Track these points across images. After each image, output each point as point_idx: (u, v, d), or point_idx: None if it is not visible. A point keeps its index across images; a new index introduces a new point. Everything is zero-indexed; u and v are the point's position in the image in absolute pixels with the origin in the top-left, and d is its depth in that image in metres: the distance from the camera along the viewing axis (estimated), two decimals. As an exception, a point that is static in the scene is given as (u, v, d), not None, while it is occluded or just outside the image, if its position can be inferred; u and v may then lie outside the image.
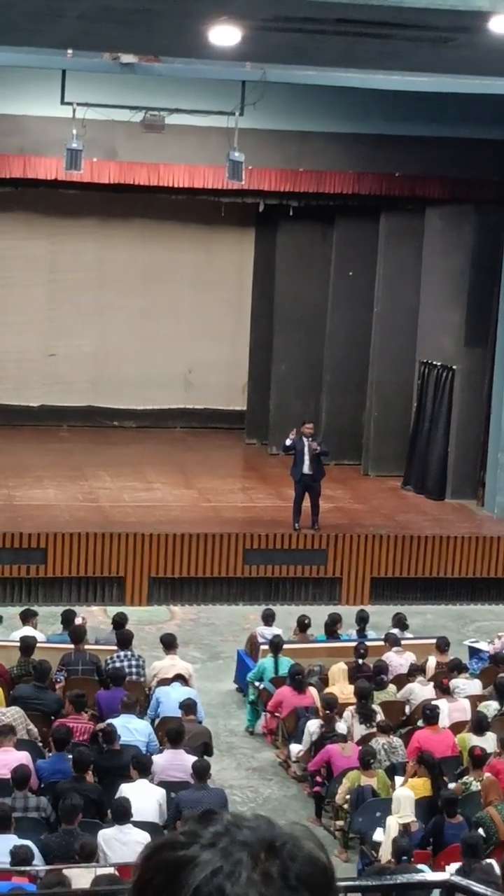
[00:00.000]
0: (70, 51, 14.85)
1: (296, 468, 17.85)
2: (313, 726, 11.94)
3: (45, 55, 14.89)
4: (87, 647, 12.99)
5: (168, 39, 11.57)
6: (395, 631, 14.25)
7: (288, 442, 17.83)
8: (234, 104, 17.39)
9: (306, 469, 17.71)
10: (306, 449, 17.70)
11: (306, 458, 17.68)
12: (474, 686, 13.04)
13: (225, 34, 9.80)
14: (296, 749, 12.26)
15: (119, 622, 13.57)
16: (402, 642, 13.93)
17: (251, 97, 17.07)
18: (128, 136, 18.48)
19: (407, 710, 12.68)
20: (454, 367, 20.32)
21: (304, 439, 17.75)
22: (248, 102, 17.20)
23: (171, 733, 10.80)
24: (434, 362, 20.68)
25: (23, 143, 18.61)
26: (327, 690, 12.57)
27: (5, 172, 18.72)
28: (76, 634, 12.90)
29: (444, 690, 12.38)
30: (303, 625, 14.39)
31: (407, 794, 10.23)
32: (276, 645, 13.47)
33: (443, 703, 12.04)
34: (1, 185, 19.59)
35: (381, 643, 13.88)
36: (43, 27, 10.61)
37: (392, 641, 13.75)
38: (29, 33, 11.45)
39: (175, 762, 10.61)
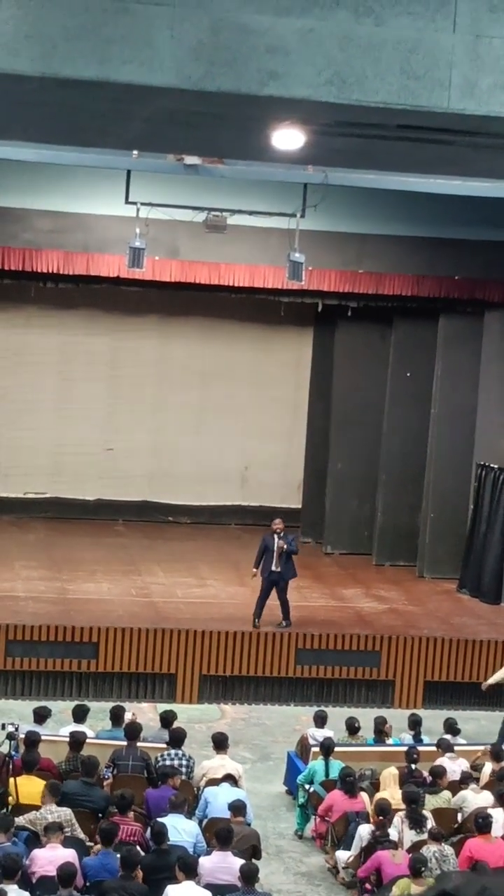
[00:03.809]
0: (135, 152, 15.11)
1: (265, 565, 17.66)
2: (364, 831, 11.74)
3: (111, 156, 15.15)
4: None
5: (232, 142, 11.73)
6: (448, 737, 14.03)
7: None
8: (296, 206, 17.61)
9: (274, 566, 17.56)
10: (275, 546, 17.60)
11: (274, 555, 17.56)
12: (528, 795, 12.76)
13: (288, 138, 9.92)
14: (345, 855, 12.05)
15: (167, 719, 13.46)
16: (455, 748, 13.71)
17: (312, 199, 17.29)
18: (190, 235, 18.74)
19: (459, 817, 12.44)
20: (511, 469, 20.23)
21: (274, 536, 17.65)
22: (309, 204, 17.40)
23: (219, 835, 10.63)
24: (492, 465, 20.59)
25: (87, 240, 18.92)
26: (378, 795, 12.37)
27: (69, 269, 19.02)
28: (131, 730, 12.74)
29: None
30: (352, 727, 14.18)
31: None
32: (327, 747, 13.29)
33: (497, 812, 11.80)
34: (64, 282, 19.89)
35: (433, 748, 13.66)
36: (110, 129, 10.80)
37: (445, 747, 13.53)
38: (96, 135, 11.65)
39: (222, 864, 10.44)
